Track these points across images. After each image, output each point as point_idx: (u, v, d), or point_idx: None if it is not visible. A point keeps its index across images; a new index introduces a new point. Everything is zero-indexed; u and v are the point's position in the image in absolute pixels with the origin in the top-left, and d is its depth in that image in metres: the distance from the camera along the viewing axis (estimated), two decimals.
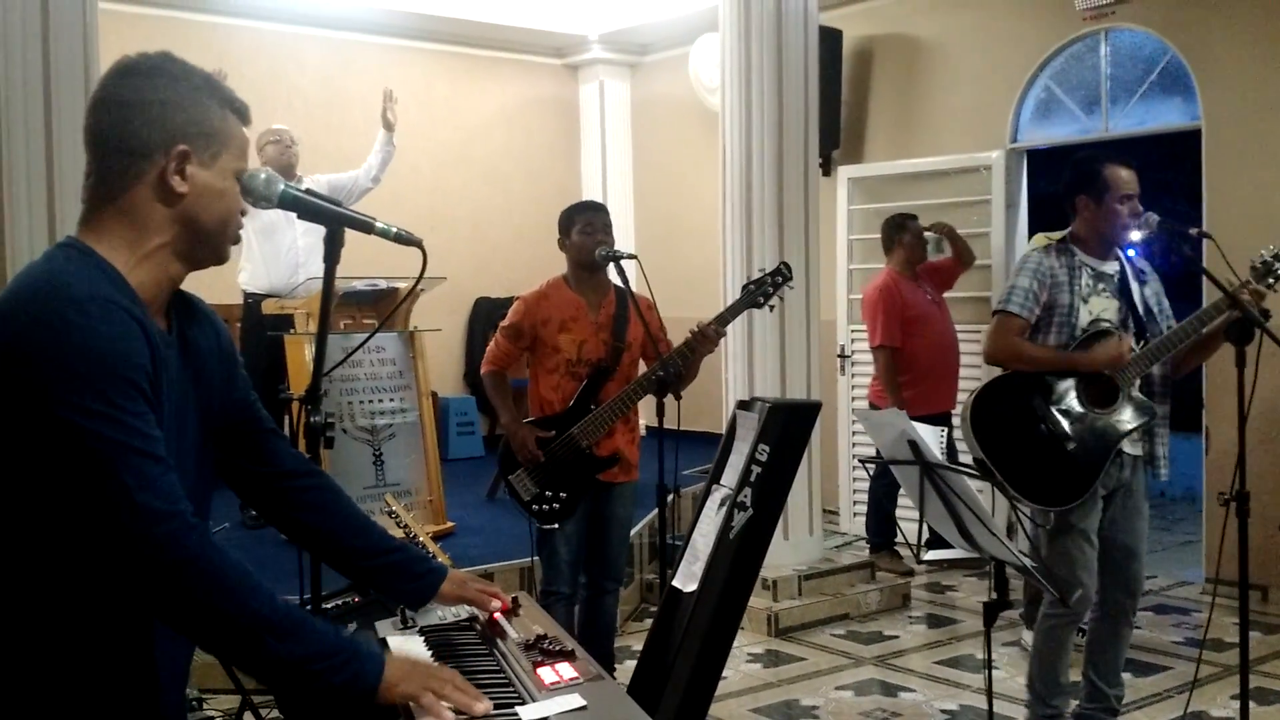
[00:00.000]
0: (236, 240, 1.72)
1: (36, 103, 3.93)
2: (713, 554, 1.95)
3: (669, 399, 3.90)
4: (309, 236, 6.12)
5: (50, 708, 1.54)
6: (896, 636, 5.40)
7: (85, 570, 1.53)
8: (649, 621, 5.59)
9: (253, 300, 6.05)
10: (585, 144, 9.48)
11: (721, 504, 1.98)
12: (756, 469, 1.96)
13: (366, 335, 2.49)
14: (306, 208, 1.83)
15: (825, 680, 4.80)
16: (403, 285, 5.99)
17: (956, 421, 3.76)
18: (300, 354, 5.65)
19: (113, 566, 1.51)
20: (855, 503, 7.20)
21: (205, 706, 4.27)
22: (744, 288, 4.12)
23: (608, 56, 9.29)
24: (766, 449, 2.00)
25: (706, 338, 3.92)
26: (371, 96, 8.52)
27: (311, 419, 2.07)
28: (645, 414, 4.23)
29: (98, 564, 1.52)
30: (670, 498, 4.06)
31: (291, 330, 5.78)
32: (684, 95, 8.64)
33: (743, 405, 2.14)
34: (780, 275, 4.05)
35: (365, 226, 1.88)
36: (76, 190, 4.07)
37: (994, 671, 4.69)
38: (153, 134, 1.60)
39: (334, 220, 1.86)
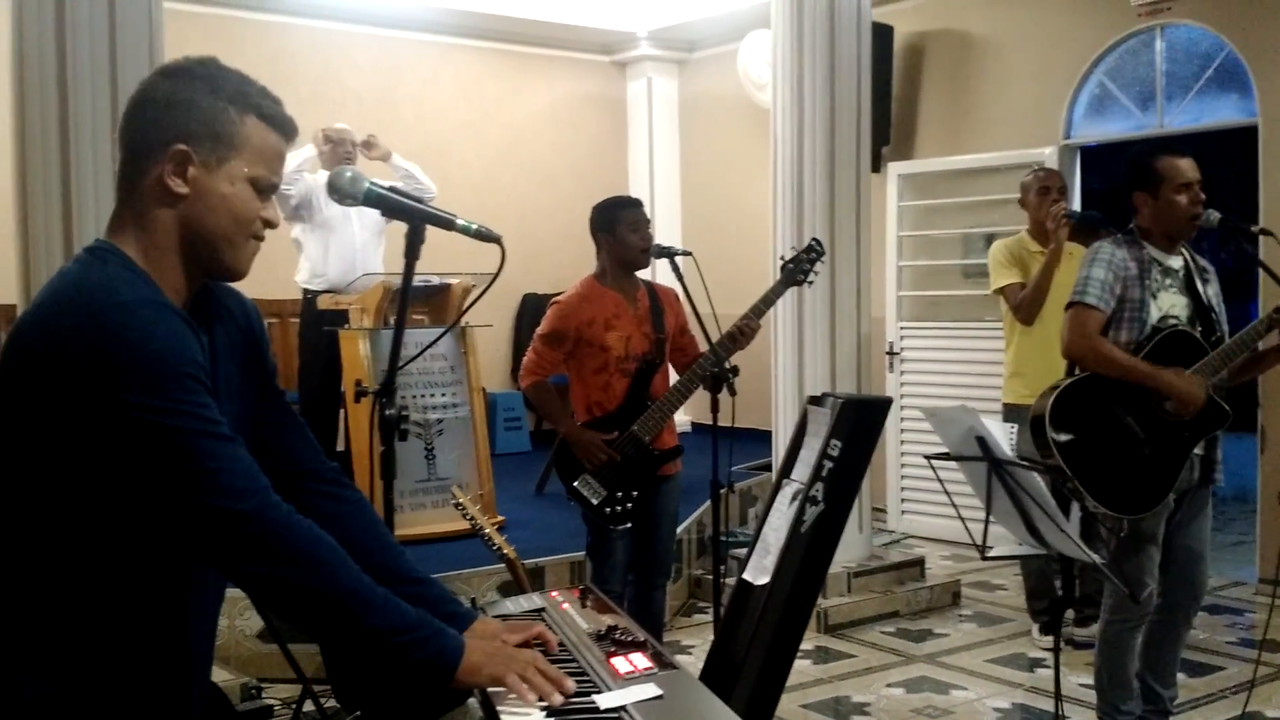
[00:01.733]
0: (256, 249, 1.69)
1: (104, 101, 4.00)
2: (784, 548, 1.97)
3: (723, 395, 3.91)
4: (366, 234, 6.21)
5: (83, 686, 1.57)
6: (947, 634, 5.39)
7: (125, 554, 1.57)
8: (697, 617, 5.65)
9: (311, 297, 6.14)
10: (633, 141, 9.51)
11: (793, 498, 2.00)
12: (828, 464, 1.98)
13: (442, 331, 2.51)
14: (390, 205, 1.87)
15: (875, 677, 4.80)
16: (455, 281, 6.04)
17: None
18: (355, 349, 5.71)
19: (199, 551, 1.55)
20: (903, 500, 7.19)
21: (264, 695, 4.34)
22: (782, 267, 4.13)
23: (656, 53, 9.31)
24: (838, 444, 2.02)
25: (745, 333, 3.93)
26: (422, 94, 8.64)
27: (386, 412, 2.10)
28: (695, 410, 4.25)
29: (143, 548, 1.56)
30: (722, 493, 4.06)
31: (346, 325, 5.85)
32: (732, 92, 8.64)
33: (814, 400, 2.16)
34: (812, 250, 4.10)
35: (446, 223, 1.91)
36: None
37: (1047, 671, 4.68)
38: (156, 133, 1.61)
39: (416, 217, 1.90)
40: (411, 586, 1.83)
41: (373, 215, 6.35)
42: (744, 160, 8.68)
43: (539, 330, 4.18)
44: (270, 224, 1.69)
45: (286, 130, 1.68)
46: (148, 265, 1.61)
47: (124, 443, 1.48)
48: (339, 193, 1.75)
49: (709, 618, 5.51)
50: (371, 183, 1.82)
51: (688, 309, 4.07)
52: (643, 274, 4.31)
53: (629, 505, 4.03)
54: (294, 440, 1.86)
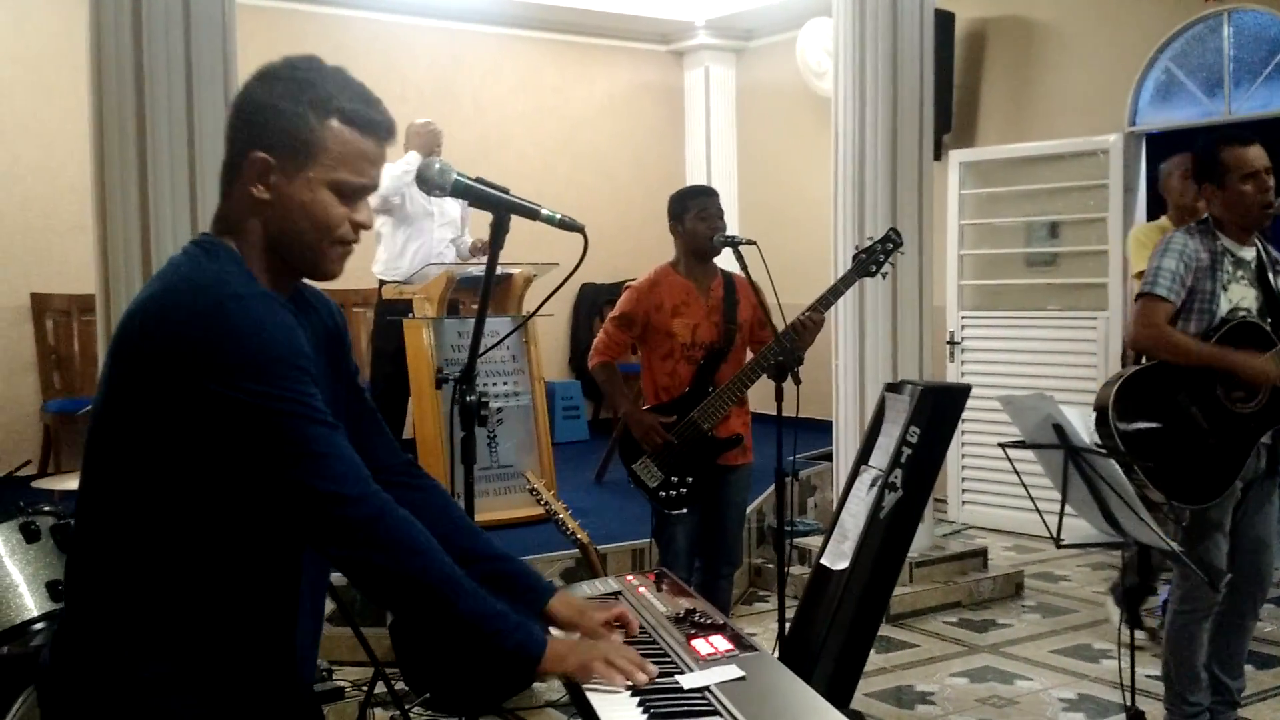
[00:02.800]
0: (344, 252, 1.69)
1: (179, 97, 4.08)
2: (863, 533, 1.99)
3: (788, 384, 3.91)
4: (445, 230, 6.36)
5: (199, 665, 1.62)
6: (1010, 625, 5.36)
7: (239, 540, 1.61)
8: (758, 605, 5.67)
9: (385, 286, 6.29)
10: (690, 130, 9.51)
11: (872, 484, 2.01)
12: (907, 450, 2.00)
13: (524, 318, 2.53)
14: (477, 195, 1.90)
15: (938, 667, 4.80)
16: (516, 271, 6.10)
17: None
18: (418, 338, 5.79)
19: (303, 534, 1.60)
20: (964, 491, 7.15)
21: (334, 676, 4.43)
22: (854, 256, 4.10)
23: (714, 42, 9.30)
24: (917, 431, 2.03)
25: (805, 328, 3.90)
26: (482, 86, 8.70)
27: (467, 398, 2.14)
28: (759, 400, 4.26)
29: (255, 535, 1.61)
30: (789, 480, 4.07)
31: (410, 315, 5.93)
32: (790, 80, 8.61)
33: (891, 388, 2.17)
34: (890, 241, 4.03)
35: (531, 213, 1.94)
36: (217, 181, 4.26)
37: (1112, 661, 4.65)
38: (241, 138, 1.64)
39: (502, 207, 1.93)
40: (493, 563, 1.89)
41: (452, 213, 6.47)
42: (802, 149, 8.65)
43: (611, 312, 4.26)
44: (362, 226, 1.70)
45: (376, 131, 1.68)
46: (250, 262, 1.66)
47: (236, 427, 1.53)
48: (428, 183, 1.79)
49: (769, 606, 5.53)
50: (459, 174, 1.86)
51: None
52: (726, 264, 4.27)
53: (683, 490, 4.05)
54: (373, 437, 1.90)
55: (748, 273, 4.02)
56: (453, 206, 6.46)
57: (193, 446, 1.55)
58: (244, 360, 1.52)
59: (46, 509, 2.97)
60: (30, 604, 2.79)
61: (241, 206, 1.66)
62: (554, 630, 1.89)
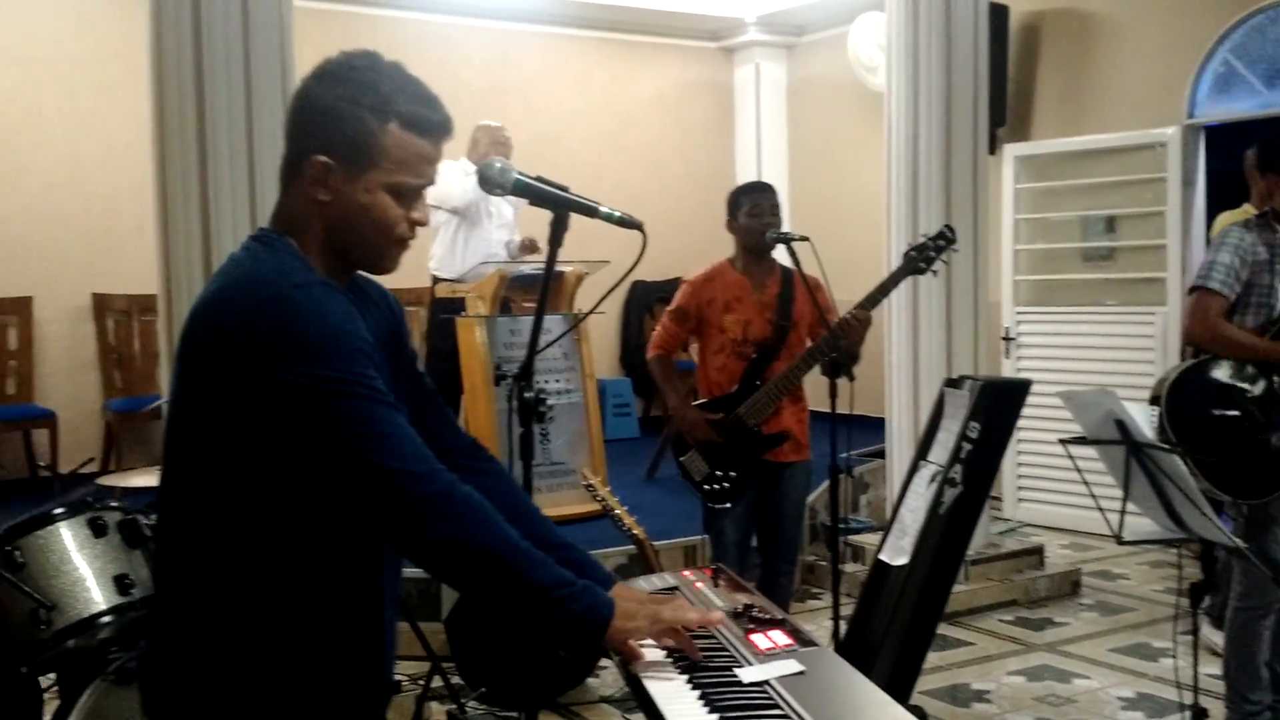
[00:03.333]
0: (401, 249, 1.72)
1: (238, 98, 4.14)
2: (923, 529, 1.98)
3: (841, 380, 3.90)
4: (501, 231, 6.43)
5: (283, 662, 1.65)
6: (1067, 623, 5.31)
7: (322, 533, 1.64)
8: (811, 602, 5.65)
9: (439, 283, 6.35)
10: (740, 127, 9.50)
11: (931, 479, 2.01)
12: (967, 446, 1.99)
13: (582, 316, 2.55)
14: (537, 194, 1.92)
15: (994, 665, 4.76)
16: (568, 269, 6.12)
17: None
18: (471, 335, 5.83)
19: (369, 514, 1.61)
20: (1020, 488, 7.09)
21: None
22: (905, 254, 4.07)
23: (764, 38, 9.28)
24: (977, 426, 2.02)
25: (850, 326, 3.86)
26: (532, 85, 8.74)
27: (525, 394, 2.16)
28: (813, 397, 4.25)
29: (337, 526, 1.63)
30: (843, 476, 4.06)
31: (462, 313, 5.97)
32: (842, 76, 8.57)
33: (951, 383, 2.16)
34: (944, 239, 3.98)
35: (590, 211, 1.96)
36: (276, 181, 4.31)
37: (1170, 660, 4.59)
38: (301, 139, 1.67)
39: (562, 205, 1.95)
40: (556, 551, 1.87)
41: (507, 214, 6.53)
42: (854, 144, 8.61)
43: (669, 306, 4.27)
44: (419, 223, 1.72)
45: (434, 133, 1.69)
46: (305, 254, 1.68)
47: (300, 413, 1.55)
48: (488, 183, 1.82)
49: (822, 603, 5.51)
50: (519, 173, 1.88)
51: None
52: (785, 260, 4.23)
53: (727, 485, 4.06)
54: (436, 420, 1.92)
55: (799, 269, 4.01)
56: (507, 207, 6.51)
57: (264, 437, 1.58)
58: (305, 346, 1.54)
59: (113, 504, 3.02)
60: (98, 597, 2.84)
61: (301, 205, 1.68)
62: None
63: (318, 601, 1.66)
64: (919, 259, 3.96)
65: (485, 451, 1.99)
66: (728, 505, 4.09)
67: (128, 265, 7.05)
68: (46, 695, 3.34)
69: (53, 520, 2.88)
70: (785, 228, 4.19)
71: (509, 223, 6.59)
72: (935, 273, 4.08)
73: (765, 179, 8.90)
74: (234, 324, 1.57)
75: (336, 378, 1.55)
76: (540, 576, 1.63)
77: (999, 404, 2.04)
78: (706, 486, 4.10)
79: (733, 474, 4.07)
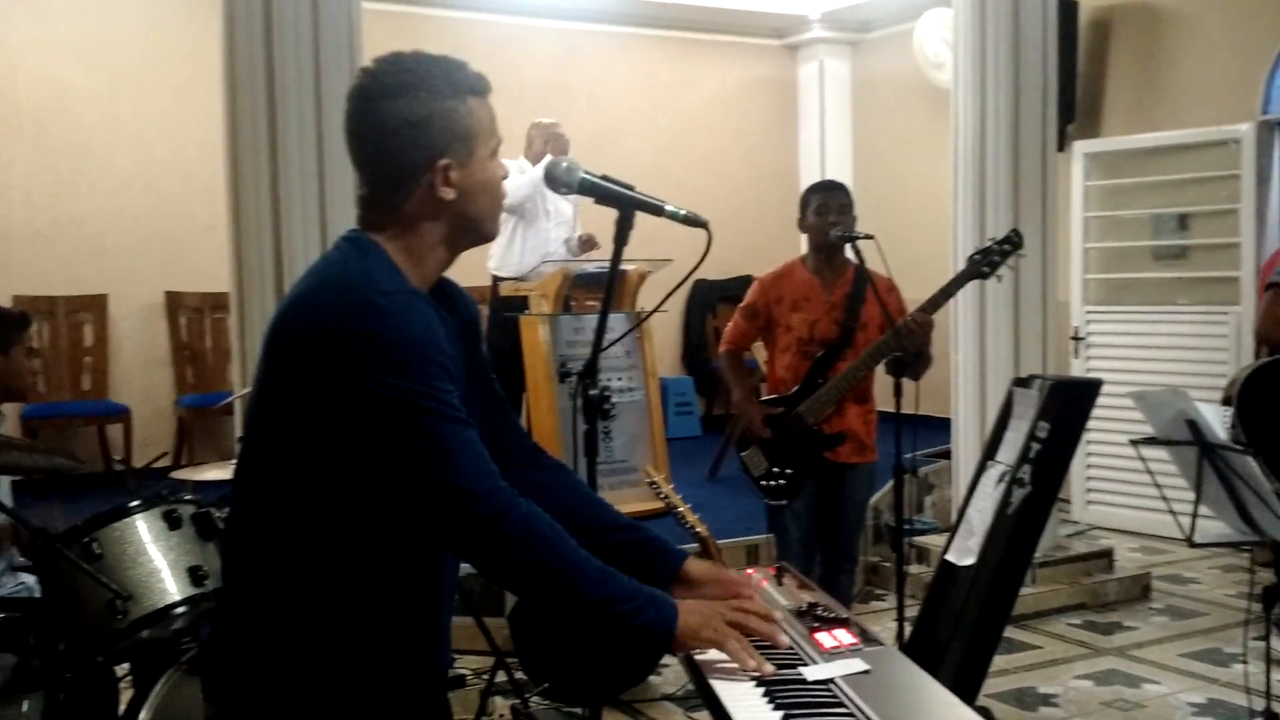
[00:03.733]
0: (499, 212, 1.80)
1: (309, 97, 4.20)
2: (990, 529, 1.96)
3: (905, 380, 3.87)
4: (560, 229, 6.46)
5: (346, 657, 1.68)
6: (1137, 628, 5.22)
7: (387, 531, 1.67)
8: (874, 604, 5.61)
9: (499, 282, 6.38)
10: (803, 125, 9.45)
11: (999, 480, 1.99)
12: (1036, 446, 1.96)
13: (646, 314, 2.56)
14: (603, 192, 1.93)
15: (1062, 669, 4.70)
16: (630, 268, 6.14)
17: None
18: (535, 334, 5.87)
19: (432, 527, 1.65)
20: (1089, 490, 6.98)
21: (456, 664, 4.52)
22: (970, 258, 4.03)
23: (828, 35, 9.22)
24: (1046, 426, 1.99)
25: (911, 330, 3.81)
26: (596, 85, 8.78)
27: (590, 392, 2.17)
28: (879, 398, 4.22)
29: (402, 524, 1.66)
30: (907, 477, 4.03)
31: (526, 311, 6.01)
32: (907, 72, 8.50)
33: (1020, 382, 2.14)
34: (1010, 243, 3.93)
35: (656, 209, 1.96)
36: (345, 181, 4.34)
37: (1244, 666, 4.50)
38: (414, 156, 1.69)
39: (628, 204, 1.96)
40: (623, 533, 1.93)
41: (566, 212, 6.56)
42: (919, 142, 8.53)
43: (741, 303, 4.28)
44: (502, 185, 1.80)
45: (488, 89, 1.77)
46: (405, 259, 1.72)
47: (374, 420, 1.58)
48: (555, 181, 1.84)
49: (885, 605, 5.47)
50: (585, 171, 1.89)
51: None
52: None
53: (783, 482, 4.06)
54: (503, 424, 1.96)
55: (863, 268, 3.98)
56: (566, 205, 6.54)
57: (339, 438, 1.61)
58: (385, 355, 1.57)
59: (187, 497, 3.09)
60: (173, 588, 2.90)
61: (422, 212, 1.72)
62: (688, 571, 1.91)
63: (380, 596, 1.70)
64: (983, 263, 3.92)
65: (545, 453, 2.03)
66: (784, 502, 4.09)
67: (200, 264, 7.19)
68: (121, 685, 3.42)
69: (129, 513, 2.95)
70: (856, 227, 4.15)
71: (568, 220, 6.60)
72: (1000, 278, 4.04)
73: (829, 178, 8.92)
74: (319, 325, 1.61)
75: (413, 390, 1.58)
76: (599, 593, 1.65)
77: (1069, 404, 2.01)
78: (764, 483, 4.11)
79: (789, 471, 4.07)
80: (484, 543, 1.62)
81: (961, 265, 4.10)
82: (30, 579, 3.40)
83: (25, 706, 2.84)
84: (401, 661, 1.73)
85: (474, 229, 1.78)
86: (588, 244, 6.53)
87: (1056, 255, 5.69)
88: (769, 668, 1.69)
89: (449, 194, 1.71)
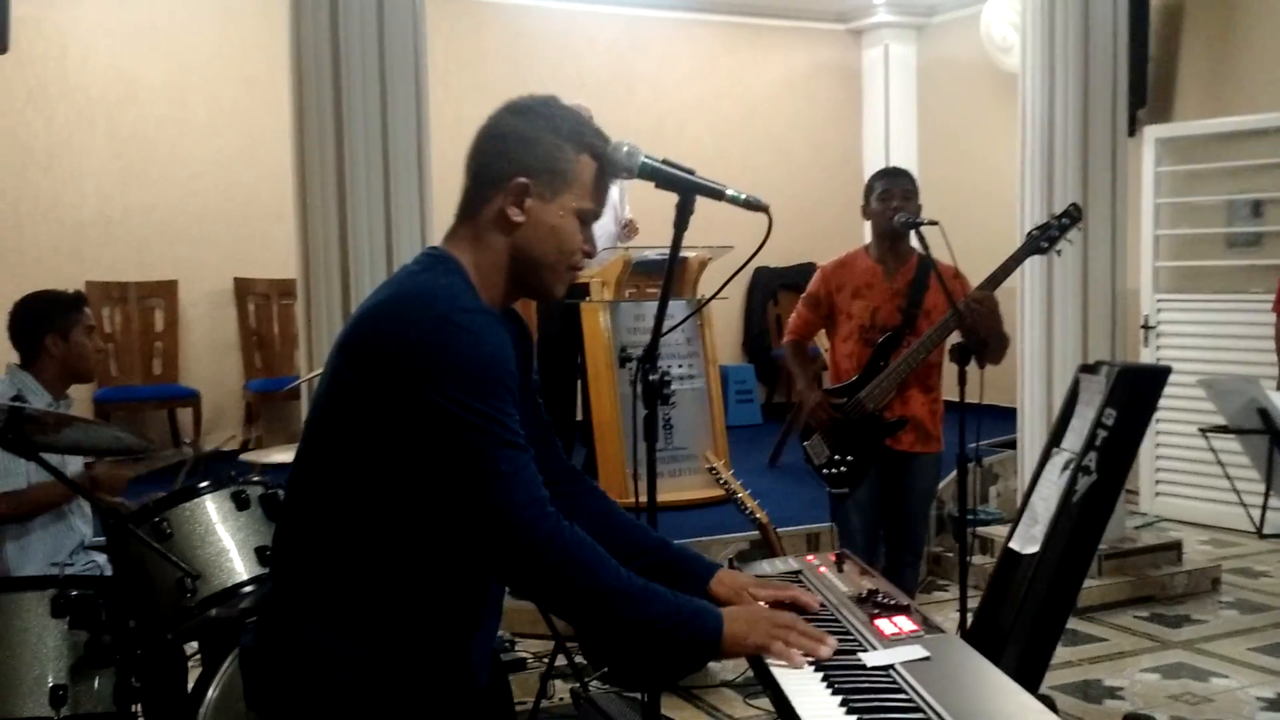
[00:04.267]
0: (573, 277, 1.83)
1: (373, 87, 4.24)
2: (1054, 517, 1.94)
3: (971, 368, 3.82)
4: (607, 218, 6.43)
5: (382, 660, 1.70)
6: (1205, 621, 5.13)
7: (434, 545, 1.69)
8: (937, 594, 5.56)
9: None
10: (868, 111, 9.37)
11: (1064, 467, 1.96)
12: (1102, 433, 1.93)
13: (705, 300, 2.55)
14: (663, 177, 1.93)
15: (1128, 662, 4.63)
16: (691, 254, 6.13)
17: None
18: (595, 321, 5.88)
19: (477, 547, 1.66)
20: (1158, 481, 6.86)
21: (517, 649, 4.56)
22: (1028, 234, 3.98)
23: (893, 20, 9.12)
24: (1113, 413, 1.96)
25: (973, 309, 3.76)
26: (658, 72, 8.76)
27: (650, 377, 2.17)
28: (943, 386, 4.18)
29: (449, 541, 1.68)
30: (972, 466, 3.98)
31: (586, 298, 6.02)
32: (974, 56, 8.39)
33: (1086, 369, 2.11)
34: (1069, 217, 3.89)
35: (716, 194, 1.96)
36: (409, 171, 4.36)
37: None
38: (503, 166, 1.76)
39: (688, 188, 1.95)
40: (656, 555, 1.97)
41: (612, 198, 6.54)
42: (986, 127, 8.42)
43: (804, 292, 4.26)
44: (590, 254, 1.84)
45: (615, 171, 1.85)
46: (477, 278, 1.76)
47: (436, 434, 1.61)
48: (615, 166, 1.84)
49: (948, 595, 5.43)
50: (646, 155, 1.90)
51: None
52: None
53: (844, 469, 4.04)
54: (546, 446, 1.98)
55: (928, 254, 3.94)
56: (612, 191, 6.52)
57: (397, 448, 1.64)
58: (456, 371, 1.60)
59: (255, 479, 3.14)
60: (240, 568, 2.96)
61: (491, 226, 1.77)
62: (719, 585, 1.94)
63: (419, 606, 1.72)
64: (1041, 238, 3.89)
65: (586, 478, 2.08)
66: (846, 490, 4.06)
67: (268, 251, 7.31)
68: (190, 665, 3.49)
69: (199, 494, 3.01)
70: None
71: (614, 205, 6.55)
72: (1059, 252, 3.99)
73: (893, 163, 8.84)
74: (397, 334, 1.64)
75: (477, 409, 1.60)
76: (642, 613, 1.67)
77: (1136, 391, 1.98)
78: (826, 471, 4.09)
79: (850, 459, 4.04)
80: (526, 568, 1.64)
81: None
82: (101, 557, 3.48)
83: (97, 682, 2.90)
84: (436, 678, 1.75)
85: (532, 271, 1.79)
86: (630, 230, 6.49)
87: (1126, 242, 5.59)
88: (825, 651, 1.69)
89: (517, 216, 1.76)
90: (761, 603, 1.89)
